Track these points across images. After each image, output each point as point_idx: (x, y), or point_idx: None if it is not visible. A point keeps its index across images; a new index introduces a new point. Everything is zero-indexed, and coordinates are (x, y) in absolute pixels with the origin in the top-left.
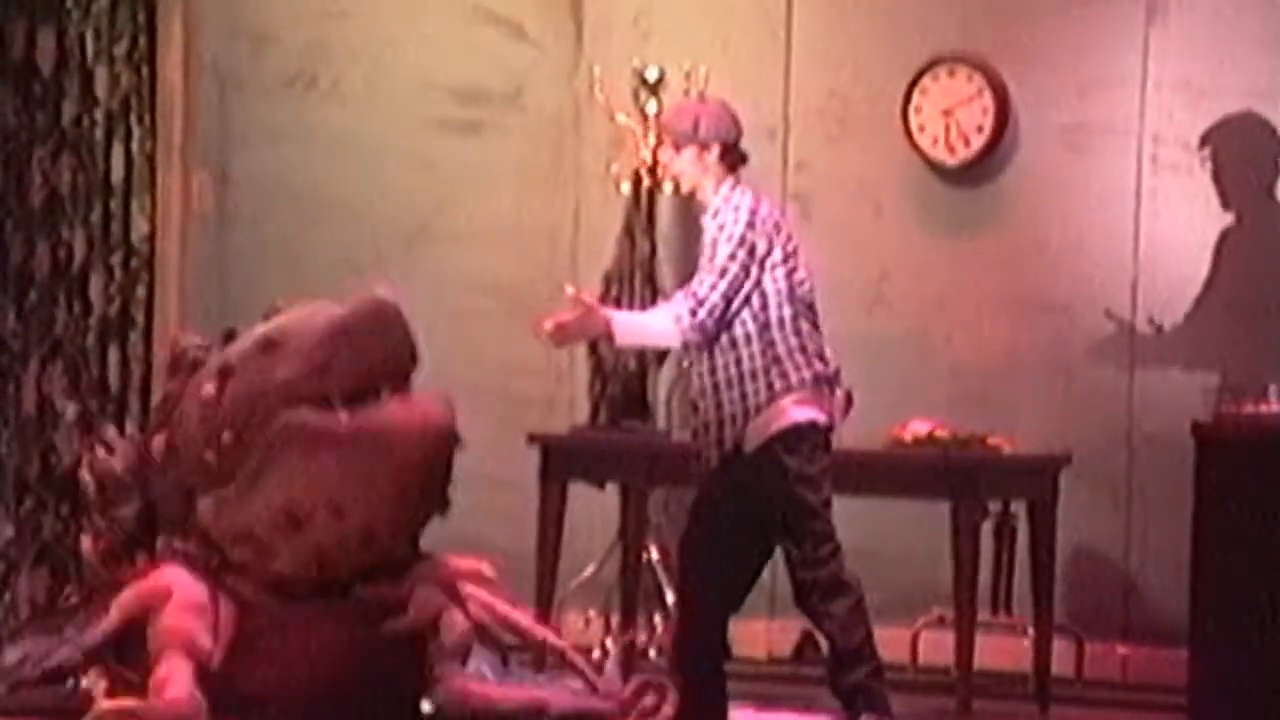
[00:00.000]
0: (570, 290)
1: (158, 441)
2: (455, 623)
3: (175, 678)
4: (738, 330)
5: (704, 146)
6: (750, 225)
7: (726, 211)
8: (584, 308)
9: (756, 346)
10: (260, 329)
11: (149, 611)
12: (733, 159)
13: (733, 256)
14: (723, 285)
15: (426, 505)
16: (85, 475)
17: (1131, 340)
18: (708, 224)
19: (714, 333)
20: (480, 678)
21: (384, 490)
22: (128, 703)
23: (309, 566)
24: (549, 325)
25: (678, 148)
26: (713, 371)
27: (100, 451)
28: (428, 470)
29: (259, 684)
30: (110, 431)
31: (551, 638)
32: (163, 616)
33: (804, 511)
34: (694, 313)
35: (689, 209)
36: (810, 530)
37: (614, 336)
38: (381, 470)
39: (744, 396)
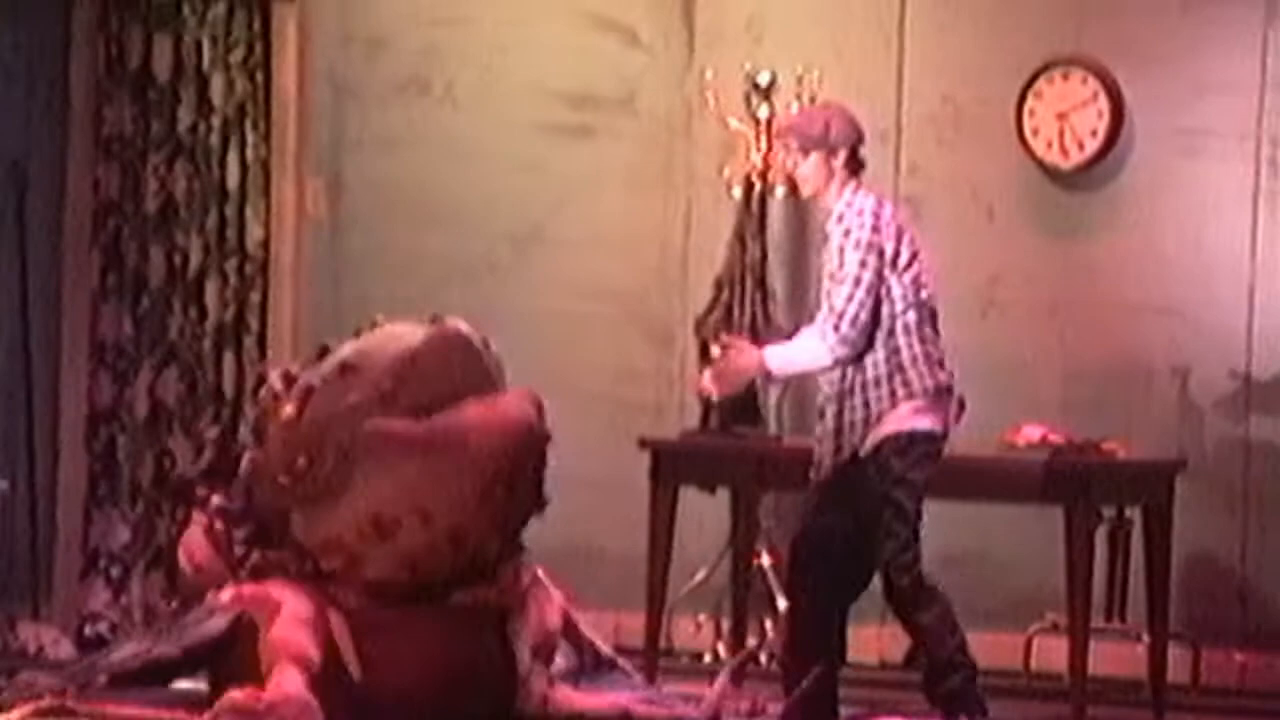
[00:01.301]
0: (723, 340)
1: (248, 460)
2: (543, 623)
3: (288, 681)
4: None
5: (832, 151)
6: (875, 229)
7: (850, 216)
8: (735, 347)
9: (881, 353)
10: (345, 349)
11: (256, 622)
12: (856, 163)
13: (863, 264)
14: (859, 294)
15: (516, 504)
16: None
17: (1248, 345)
18: (832, 230)
19: (861, 343)
20: (563, 682)
21: (468, 491)
22: (243, 697)
23: (401, 572)
24: (705, 381)
25: (805, 152)
26: (836, 380)
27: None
28: (510, 468)
29: (363, 690)
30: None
31: (603, 647)
32: (273, 629)
33: (896, 513)
34: (836, 328)
35: (800, 213)
36: (896, 534)
37: (770, 372)
38: (463, 470)
39: (867, 404)
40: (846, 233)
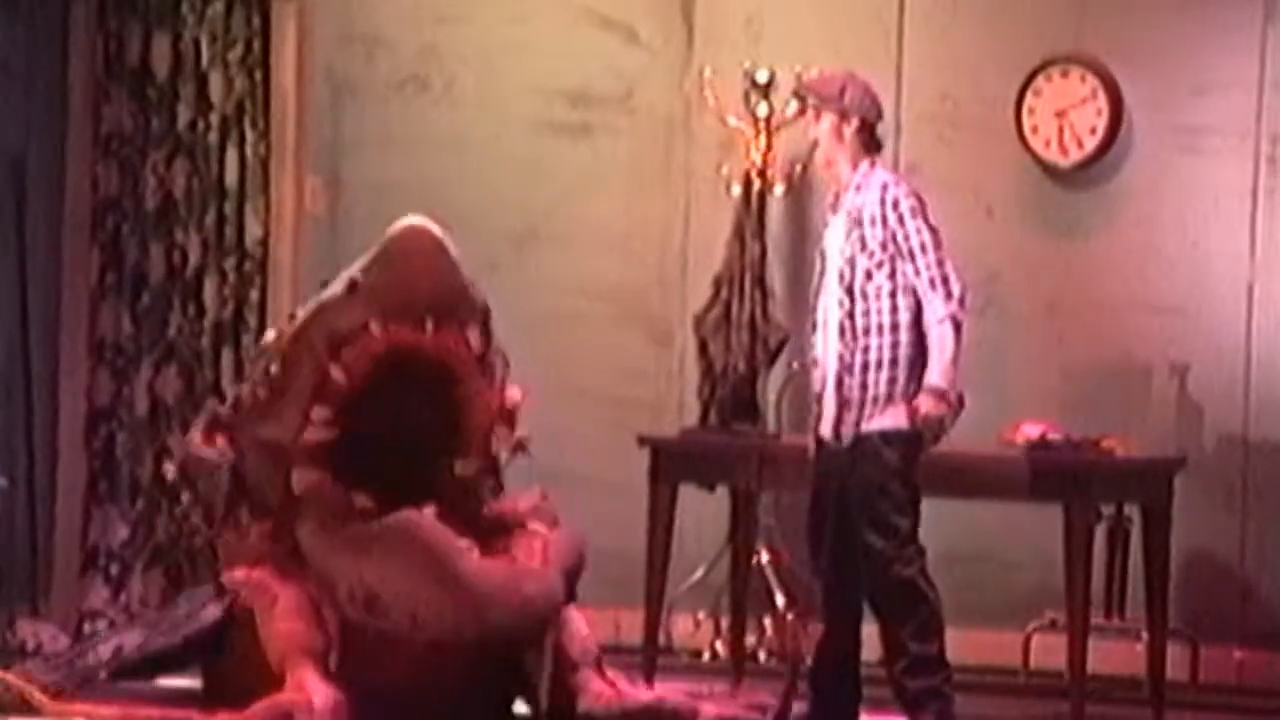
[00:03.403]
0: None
1: (231, 394)
2: (578, 633)
3: (312, 683)
4: (902, 316)
5: (844, 116)
6: (911, 194)
7: (875, 189)
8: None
9: (909, 335)
10: None
11: (254, 610)
12: (868, 138)
13: (929, 227)
14: (942, 253)
15: (509, 658)
16: (170, 469)
17: (1247, 342)
18: (848, 200)
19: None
20: (624, 682)
21: (465, 635)
22: (279, 700)
23: (370, 631)
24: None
25: (818, 113)
26: (860, 353)
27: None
28: (513, 640)
29: (356, 686)
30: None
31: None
32: (274, 621)
33: (892, 506)
34: (949, 295)
35: (800, 211)
36: (896, 528)
37: (946, 391)
38: (468, 621)
39: (892, 381)
40: (895, 204)
